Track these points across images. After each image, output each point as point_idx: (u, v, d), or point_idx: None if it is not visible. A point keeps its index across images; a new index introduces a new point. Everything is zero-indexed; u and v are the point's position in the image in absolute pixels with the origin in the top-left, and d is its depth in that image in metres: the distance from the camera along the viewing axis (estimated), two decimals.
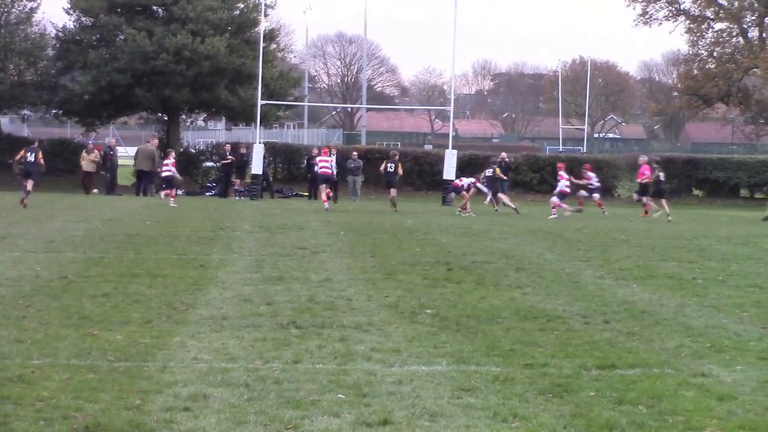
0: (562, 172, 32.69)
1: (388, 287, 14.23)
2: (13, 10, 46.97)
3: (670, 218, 30.70)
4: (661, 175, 33.38)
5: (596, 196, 35.34)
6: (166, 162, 34.86)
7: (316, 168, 35.25)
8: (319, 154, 36.72)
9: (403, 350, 9.79)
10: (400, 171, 35.28)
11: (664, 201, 32.62)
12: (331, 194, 33.88)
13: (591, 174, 35.20)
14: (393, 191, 34.03)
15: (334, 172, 34.42)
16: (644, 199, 32.65)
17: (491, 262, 17.85)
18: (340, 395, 7.96)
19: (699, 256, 19.77)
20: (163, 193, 34.03)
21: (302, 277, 15.03)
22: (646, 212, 32.61)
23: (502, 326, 11.31)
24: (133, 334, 10.19)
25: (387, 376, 8.67)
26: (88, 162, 39.57)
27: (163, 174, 34.52)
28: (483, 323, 11.46)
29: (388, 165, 35.04)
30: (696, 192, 47.63)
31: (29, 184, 30.27)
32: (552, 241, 22.32)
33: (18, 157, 32.54)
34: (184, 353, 9.41)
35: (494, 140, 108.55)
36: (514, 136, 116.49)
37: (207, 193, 41.50)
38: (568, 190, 32.56)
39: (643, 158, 34.43)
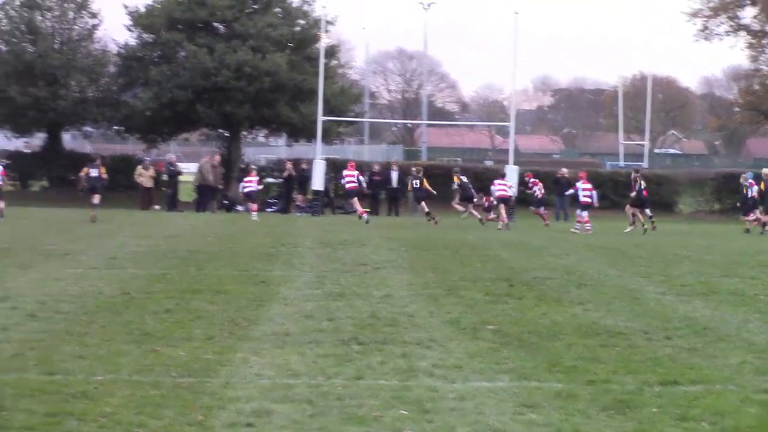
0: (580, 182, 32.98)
1: (449, 303, 14.16)
2: (75, 27, 47.71)
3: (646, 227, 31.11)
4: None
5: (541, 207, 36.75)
6: (248, 179, 35.65)
7: (342, 181, 36.05)
8: (381, 170, 37.30)
9: (465, 366, 9.73)
10: (426, 185, 35.20)
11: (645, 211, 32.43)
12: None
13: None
14: (423, 204, 34.44)
15: (363, 185, 35.46)
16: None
17: (553, 278, 17.71)
18: (402, 411, 7.94)
19: (762, 272, 19.42)
20: (252, 208, 34.89)
21: (364, 293, 14.99)
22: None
23: (564, 342, 11.21)
24: (195, 350, 10.24)
25: (449, 393, 8.63)
26: (147, 178, 39.97)
27: (246, 190, 35.35)
28: (545, 339, 11.37)
29: (413, 182, 35.24)
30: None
31: (96, 198, 30.87)
32: (613, 257, 22.12)
33: (82, 174, 33.12)
34: (246, 369, 9.43)
35: (554, 156, 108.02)
36: (574, 151, 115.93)
37: (268, 209, 41.67)
38: (588, 200, 32.37)
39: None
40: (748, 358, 10.46)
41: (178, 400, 8.14)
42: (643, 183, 32.45)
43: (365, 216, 32.39)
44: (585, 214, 31.46)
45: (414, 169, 38.43)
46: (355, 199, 33.68)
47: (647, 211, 32.24)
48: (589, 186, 32.46)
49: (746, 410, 8.20)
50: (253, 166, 40.63)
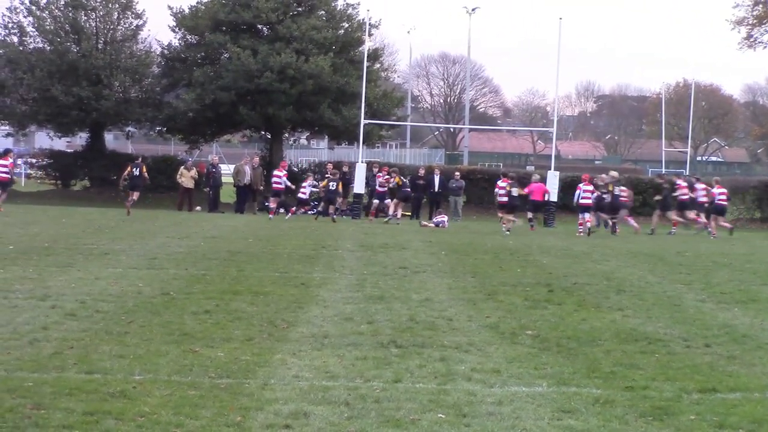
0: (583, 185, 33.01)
1: (488, 308, 14.16)
2: (119, 27, 47.88)
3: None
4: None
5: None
6: (304, 183, 36.71)
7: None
8: (425, 174, 38.14)
9: (503, 371, 9.74)
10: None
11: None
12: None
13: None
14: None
15: (288, 185, 36.92)
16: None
17: (592, 283, 17.63)
18: (440, 415, 7.96)
19: None
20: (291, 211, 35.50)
21: (403, 296, 15.01)
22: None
23: (603, 348, 11.19)
24: (234, 351, 10.30)
25: (487, 397, 8.64)
26: (188, 179, 40.09)
27: (301, 195, 36.29)
28: (584, 345, 11.35)
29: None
30: None
31: (135, 195, 31.30)
32: (653, 264, 21.96)
33: (125, 173, 33.43)
34: (284, 371, 9.48)
35: (596, 162, 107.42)
36: (616, 158, 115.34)
37: (309, 212, 41.65)
38: (587, 201, 32.50)
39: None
40: None
41: (216, 400, 8.21)
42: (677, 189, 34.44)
43: (272, 216, 34.08)
44: (586, 215, 31.82)
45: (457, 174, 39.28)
46: (278, 198, 36.01)
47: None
48: (590, 188, 32.47)
49: None
50: (310, 172, 40.84)
